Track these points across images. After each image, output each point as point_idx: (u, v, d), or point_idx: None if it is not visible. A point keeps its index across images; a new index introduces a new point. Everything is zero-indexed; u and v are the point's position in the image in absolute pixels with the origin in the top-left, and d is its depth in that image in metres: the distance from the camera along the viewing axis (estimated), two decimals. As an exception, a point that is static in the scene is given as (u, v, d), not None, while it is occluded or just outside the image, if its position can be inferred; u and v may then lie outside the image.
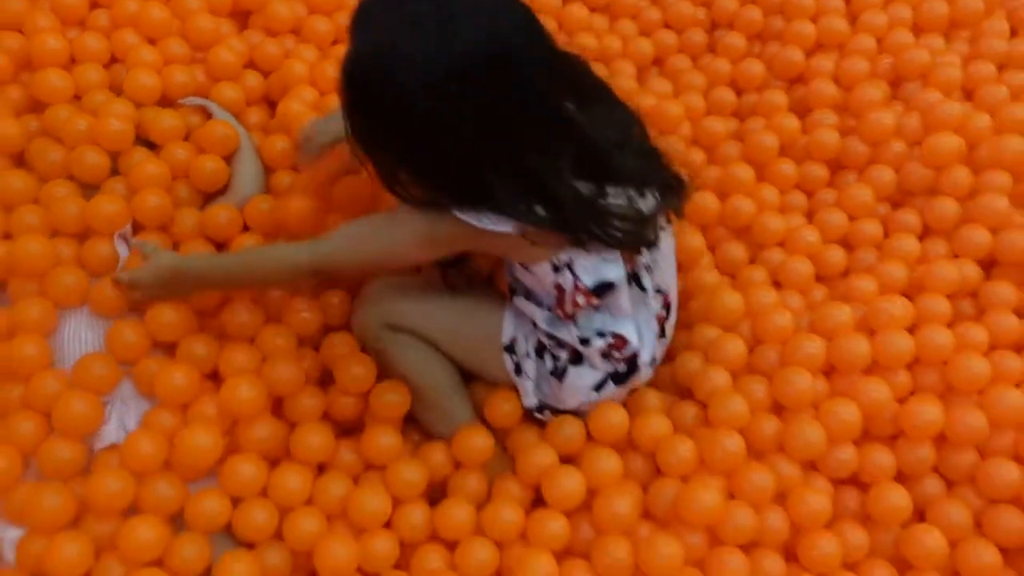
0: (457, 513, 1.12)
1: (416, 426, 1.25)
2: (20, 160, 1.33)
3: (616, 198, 1.05)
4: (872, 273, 1.32)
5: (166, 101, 1.40)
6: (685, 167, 1.16)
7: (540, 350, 1.19)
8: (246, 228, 1.31)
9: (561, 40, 1.27)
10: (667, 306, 1.20)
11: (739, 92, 1.60)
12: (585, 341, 1.14)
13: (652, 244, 1.11)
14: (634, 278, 1.13)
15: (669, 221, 1.17)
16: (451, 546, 1.12)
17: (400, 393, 1.18)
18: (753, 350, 1.26)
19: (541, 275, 1.10)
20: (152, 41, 1.44)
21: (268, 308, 1.24)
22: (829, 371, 1.22)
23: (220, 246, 1.29)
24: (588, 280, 1.09)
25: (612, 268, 1.09)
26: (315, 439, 1.14)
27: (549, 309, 1.15)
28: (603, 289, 1.10)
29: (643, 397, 1.23)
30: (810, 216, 1.44)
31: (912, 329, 1.22)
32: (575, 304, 1.11)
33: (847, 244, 1.40)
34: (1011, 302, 1.25)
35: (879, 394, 1.16)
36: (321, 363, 1.22)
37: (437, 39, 0.91)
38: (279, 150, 1.38)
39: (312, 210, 1.26)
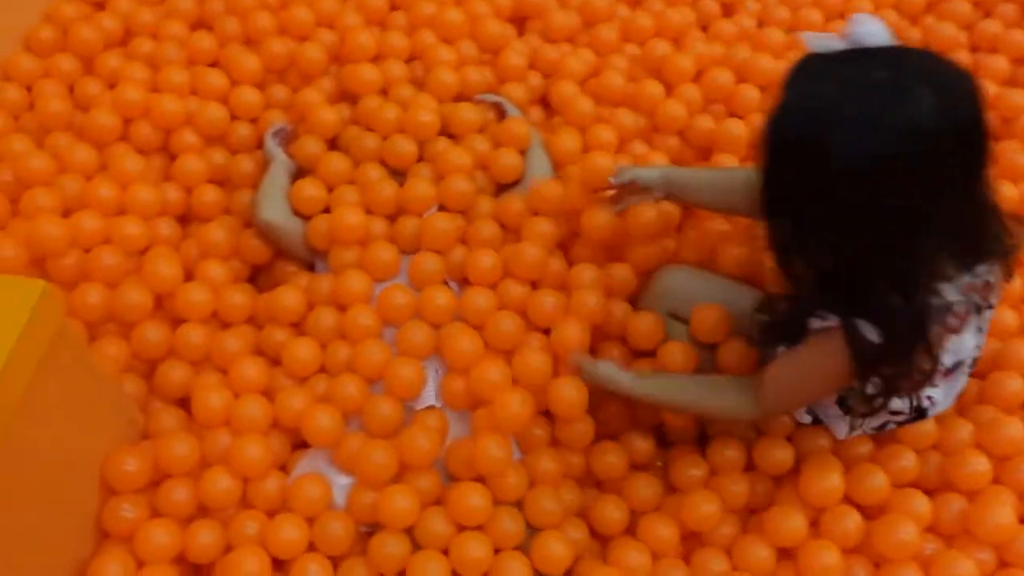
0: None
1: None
2: (332, 144, 1.44)
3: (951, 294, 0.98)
4: None
5: (461, 97, 1.48)
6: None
7: None
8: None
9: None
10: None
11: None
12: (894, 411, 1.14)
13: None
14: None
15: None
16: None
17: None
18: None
19: None
20: (448, 41, 1.53)
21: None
22: None
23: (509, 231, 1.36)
24: (949, 359, 1.08)
25: (969, 340, 1.08)
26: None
27: None
28: (957, 367, 1.10)
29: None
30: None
31: None
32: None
33: None
34: None
35: None
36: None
37: (891, 105, 0.83)
38: (566, 148, 1.44)
39: (611, 226, 1.29)
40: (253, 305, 1.30)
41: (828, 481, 1.13)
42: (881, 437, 1.21)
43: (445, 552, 1.09)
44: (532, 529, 1.14)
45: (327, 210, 1.35)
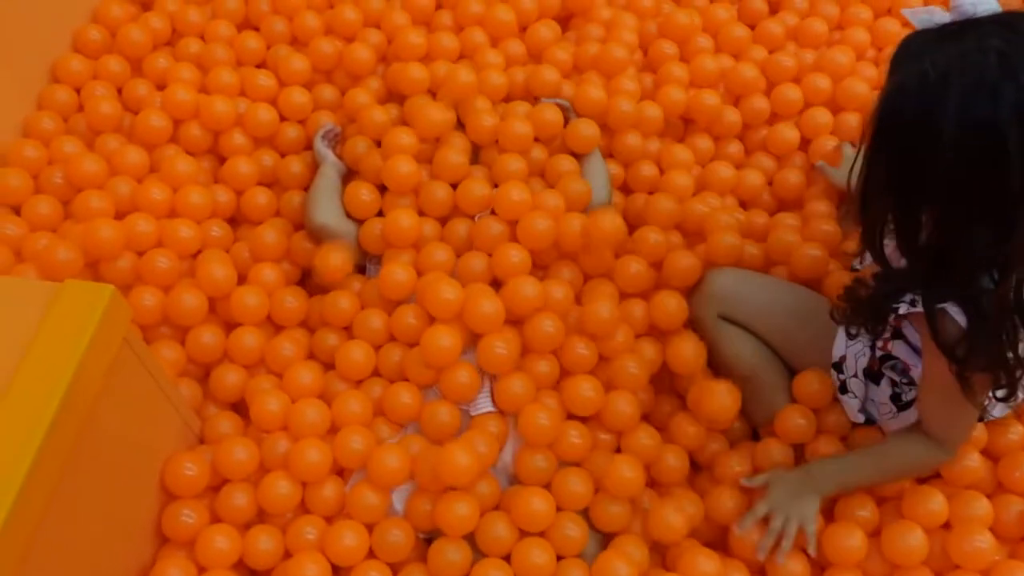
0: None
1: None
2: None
3: None
4: None
5: (510, 97, 1.47)
6: None
7: (873, 374, 1.18)
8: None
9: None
10: None
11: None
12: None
13: None
14: None
15: None
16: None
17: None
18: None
19: None
20: (495, 42, 1.52)
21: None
22: None
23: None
24: None
25: None
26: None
27: None
28: None
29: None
30: None
31: None
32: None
33: None
34: None
35: None
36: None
37: (1002, 72, 0.80)
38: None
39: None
40: (306, 308, 1.29)
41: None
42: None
43: (507, 559, 1.08)
44: (596, 535, 1.12)
45: (380, 213, 1.34)
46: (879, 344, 1.14)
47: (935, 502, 1.10)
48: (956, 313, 0.93)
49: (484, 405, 1.20)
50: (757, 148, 1.54)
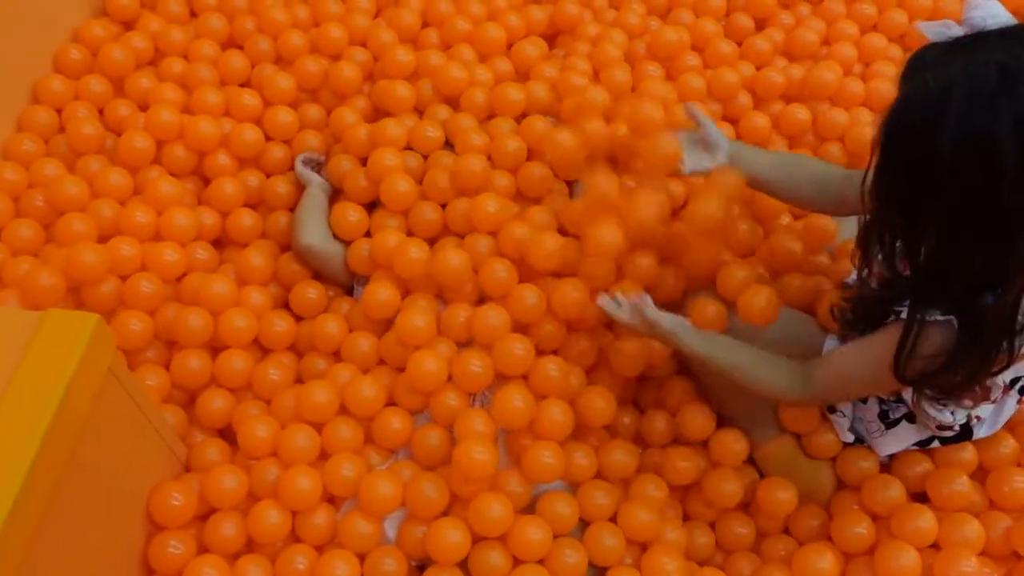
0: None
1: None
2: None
3: None
4: None
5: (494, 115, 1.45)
6: None
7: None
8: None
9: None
10: None
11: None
12: (943, 426, 1.12)
13: None
14: None
15: None
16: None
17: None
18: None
19: None
20: (483, 59, 1.51)
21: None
22: None
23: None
24: (1009, 375, 1.06)
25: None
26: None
27: None
28: (1015, 383, 1.09)
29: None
30: None
31: None
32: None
33: None
34: None
35: None
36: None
37: (1004, 85, 0.80)
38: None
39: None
40: (295, 332, 1.27)
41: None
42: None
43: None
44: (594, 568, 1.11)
45: (367, 233, 1.33)
46: None
47: (924, 520, 1.10)
48: (946, 326, 0.93)
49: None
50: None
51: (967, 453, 1.17)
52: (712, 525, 1.22)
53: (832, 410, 1.20)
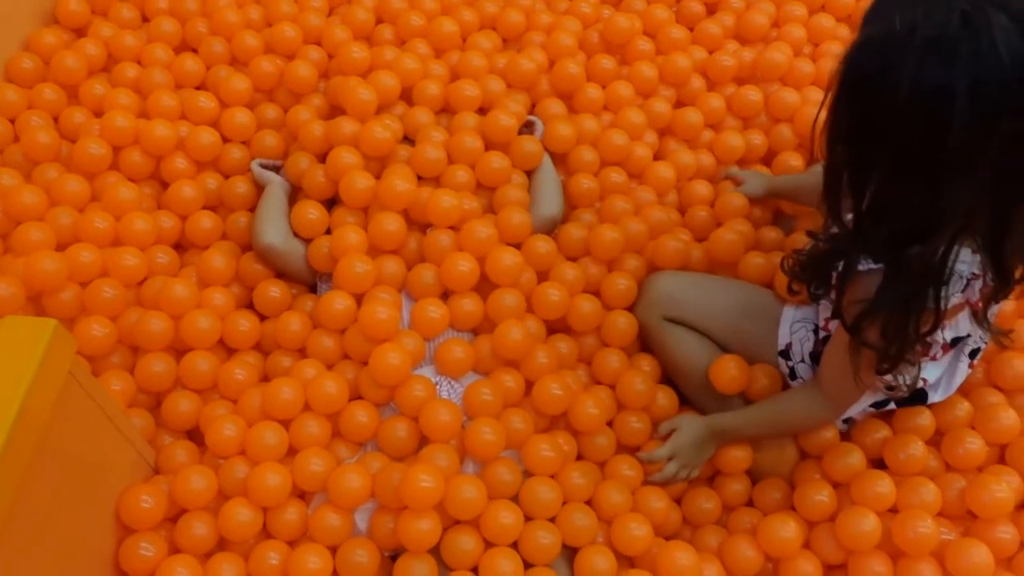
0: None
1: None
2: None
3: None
4: None
5: (447, 110, 1.47)
6: None
7: (819, 357, 1.21)
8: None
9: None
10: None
11: None
12: (891, 387, 1.15)
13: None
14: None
15: None
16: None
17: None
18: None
19: None
20: (438, 54, 1.52)
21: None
22: None
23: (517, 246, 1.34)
24: (949, 334, 1.09)
25: (965, 320, 1.08)
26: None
27: None
28: (956, 342, 1.11)
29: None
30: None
31: None
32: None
33: None
34: None
35: None
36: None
37: (962, 34, 0.79)
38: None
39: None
40: (260, 331, 1.28)
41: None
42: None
43: (475, 571, 1.08)
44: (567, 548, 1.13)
45: (328, 231, 1.34)
46: (821, 326, 1.17)
47: (883, 485, 1.13)
48: (877, 274, 0.95)
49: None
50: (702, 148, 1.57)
51: (924, 419, 1.20)
52: (679, 501, 1.24)
53: (793, 376, 1.23)
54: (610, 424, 1.24)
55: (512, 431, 1.16)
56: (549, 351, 1.25)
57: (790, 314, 1.23)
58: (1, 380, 0.84)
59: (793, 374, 1.23)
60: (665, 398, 1.26)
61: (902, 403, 1.20)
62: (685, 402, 1.29)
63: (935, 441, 1.21)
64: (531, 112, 1.50)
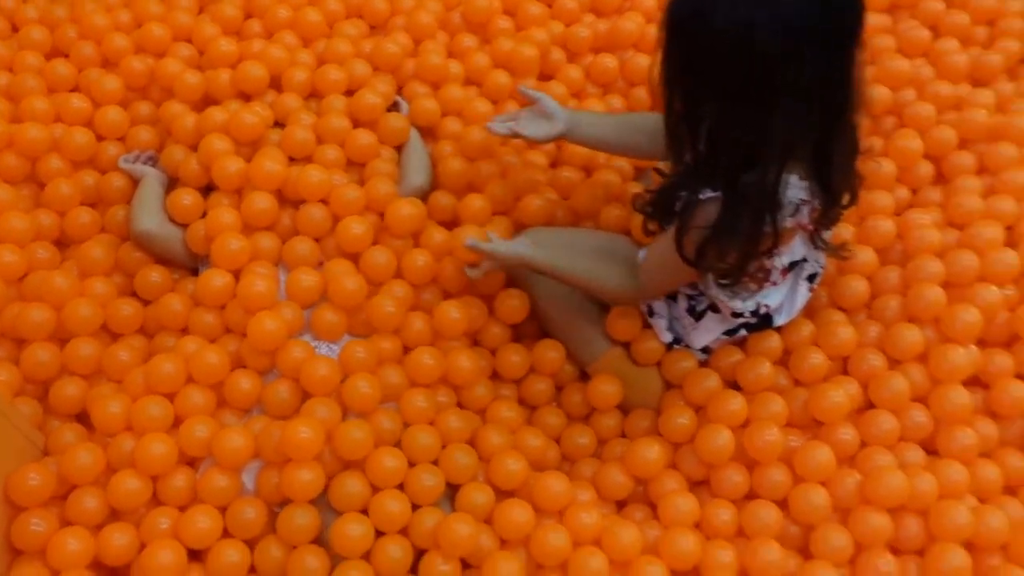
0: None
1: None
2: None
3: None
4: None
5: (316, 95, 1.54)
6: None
7: (672, 293, 1.30)
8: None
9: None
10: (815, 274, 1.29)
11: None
12: (736, 313, 1.25)
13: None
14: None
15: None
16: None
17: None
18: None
19: None
20: (306, 44, 1.59)
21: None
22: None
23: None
24: (786, 259, 1.19)
25: (800, 245, 1.19)
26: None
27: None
28: (793, 266, 1.21)
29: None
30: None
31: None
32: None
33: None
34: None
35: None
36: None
37: None
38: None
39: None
40: (143, 315, 1.33)
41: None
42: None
43: (365, 512, 1.14)
44: (450, 487, 1.19)
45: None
46: None
47: (735, 403, 1.23)
48: (716, 202, 1.04)
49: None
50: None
51: (773, 341, 1.30)
52: (557, 440, 1.32)
53: (651, 313, 1.32)
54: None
55: (388, 385, 1.23)
56: (424, 319, 1.32)
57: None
58: None
59: (651, 311, 1.32)
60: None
61: (752, 329, 1.30)
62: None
63: (785, 361, 1.32)
64: (399, 94, 1.58)
